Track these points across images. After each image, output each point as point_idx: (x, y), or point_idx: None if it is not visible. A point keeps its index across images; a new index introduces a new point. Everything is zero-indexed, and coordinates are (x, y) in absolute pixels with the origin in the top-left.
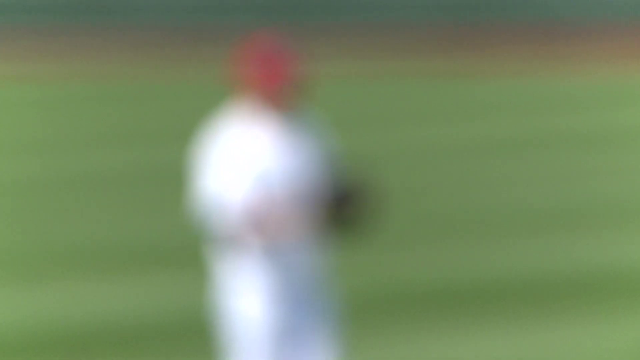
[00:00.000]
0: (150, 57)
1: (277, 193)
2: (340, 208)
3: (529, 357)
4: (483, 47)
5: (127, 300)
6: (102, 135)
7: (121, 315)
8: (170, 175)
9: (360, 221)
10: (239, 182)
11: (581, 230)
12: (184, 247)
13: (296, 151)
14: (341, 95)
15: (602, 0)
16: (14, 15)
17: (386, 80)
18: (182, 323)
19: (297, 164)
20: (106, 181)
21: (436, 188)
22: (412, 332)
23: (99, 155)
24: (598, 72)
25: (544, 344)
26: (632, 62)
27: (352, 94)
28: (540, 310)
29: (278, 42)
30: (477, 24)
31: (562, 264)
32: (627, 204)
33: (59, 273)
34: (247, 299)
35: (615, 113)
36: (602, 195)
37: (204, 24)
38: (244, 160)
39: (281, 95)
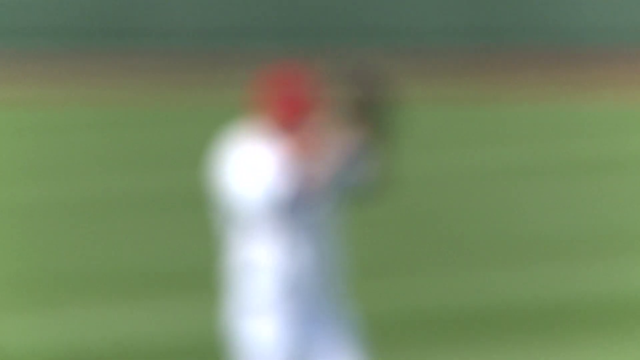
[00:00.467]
0: (160, 82)
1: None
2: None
3: None
4: (500, 72)
5: (137, 324)
6: (110, 160)
7: (131, 339)
8: (178, 200)
9: (387, 127)
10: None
11: (599, 256)
12: (191, 272)
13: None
14: None
15: (620, 26)
16: (21, 39)
17: (403, 106)
18: (193, 347)
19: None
20: (114, 206)
21: (452, 213)
22: (428, 358)
23: (108, 180)
24: (616, 97)
25: None
26: None
27: None
28: (556, 337)
29: (298, 68)
30: (494, 49)
31: (577, 290)
32: None
33: (67, 298)
34: (261, 319)
35: (635, 139)
36: (620, 221)
37: (216, 49)
38: (256, 176)
39: (298, 120)
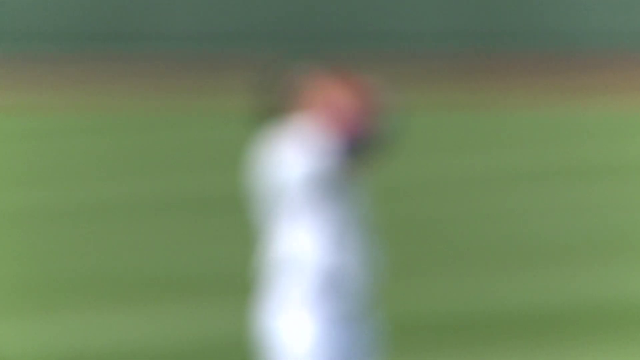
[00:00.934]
0: (158, 86)
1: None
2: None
3: None
4: (499, 77)
5: (137, 329)
6: (108, 165)
7: (132, 344)
8: (178, 204)
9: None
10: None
11: (599, 261)
12: (192, 276)
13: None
14: None
15: (619, 30)
16: (17, 42)
17: (400, 111)
18: (194, 352)
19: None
20: (114, 210)
21: (449, 218)
22: None
23: (107, 185)
24: (614, 103)
25: None
26: None
27: None
28: (557, 342)
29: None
30: (492, 54)
31: (577, 295)
32: None
33: (67, 302)
34: (302, 317)
35: (634, 144)
36: (619, 227)
37: (215, 52)
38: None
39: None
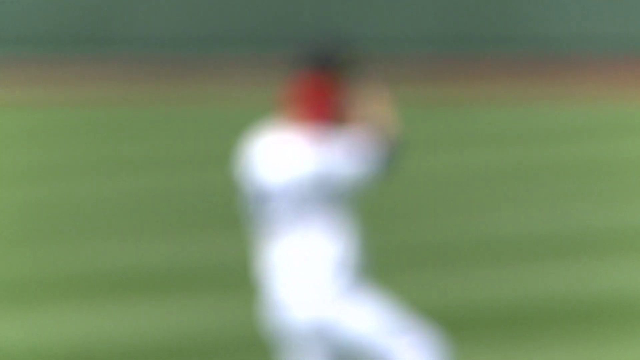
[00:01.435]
0: (137, 89)
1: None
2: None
3: None
4: (477, 78)
5: (134, 323)
6: (109, 162)
7: (129, 337)
8: (163, 201)
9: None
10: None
11: (575, 256)
12: (190, 270)
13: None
14: None
15: (593, 34)
16: (15, 45)
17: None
18: (188, 346)
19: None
20: (105, 206)
21: (429, 214)
22: None
23: (88, 182)
24: (589, 104)
25: None
26: (622, 94)
27: None
28: (541, 335)
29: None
30: (471, 56)
31: (558, 290)
32: (625, 231)
33: (64, 297)
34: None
35: (609, 143)
36: (598, 222)
37: (195, 56)
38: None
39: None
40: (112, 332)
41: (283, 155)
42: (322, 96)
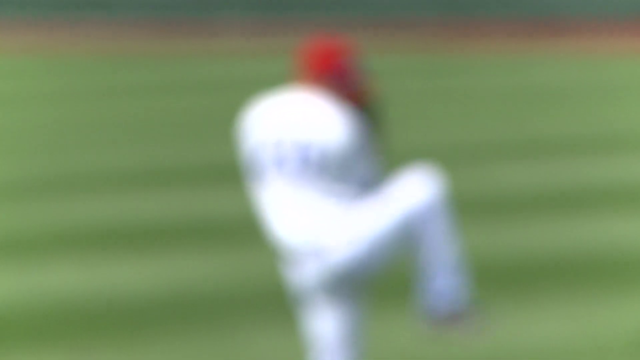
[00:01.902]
0: (127, 50)
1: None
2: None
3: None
4: (475, 41)
5: (148, 278)
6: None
7: (121, 292)
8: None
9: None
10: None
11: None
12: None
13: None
14: None
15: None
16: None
17: (374, 76)
18: (176, 300)
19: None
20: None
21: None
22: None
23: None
24: (583, 67)
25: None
26: (618, 58)
27: None
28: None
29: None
30: (469, 20)
31: (568, 245)
32: (624, 185)
33: (60, 253)
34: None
35: (603, 107)
36: (600, 177)
37: (191, 19)
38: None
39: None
40: (117, 287)
41: (287, 114)
42: (332, 60)
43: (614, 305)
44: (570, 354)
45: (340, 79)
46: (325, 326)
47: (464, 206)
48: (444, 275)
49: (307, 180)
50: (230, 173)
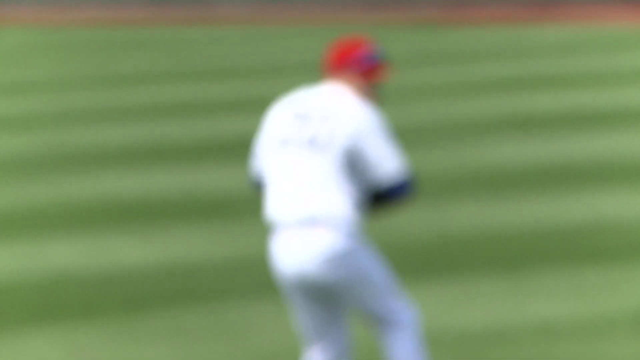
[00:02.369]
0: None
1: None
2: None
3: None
4: (469, 21)
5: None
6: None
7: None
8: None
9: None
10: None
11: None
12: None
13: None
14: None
15: None
16: None
17: (373, 30)
18: (169, 272)
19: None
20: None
21: (430, 134)
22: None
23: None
24: (576, 23)
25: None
26: (613, 16)
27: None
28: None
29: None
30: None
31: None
32: (624, 158)
33: (50, 229)
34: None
35: (605, 59)
36: (597, 149)
37: None
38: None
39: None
40: (115, 263)
41: (308, 96)
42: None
43: (616, 280)
44: (570, 331)
45: (359, 69)
46: (303, 318)
47: (457, 182)
48: None
49: (310, 158)
50: (231, 150)
